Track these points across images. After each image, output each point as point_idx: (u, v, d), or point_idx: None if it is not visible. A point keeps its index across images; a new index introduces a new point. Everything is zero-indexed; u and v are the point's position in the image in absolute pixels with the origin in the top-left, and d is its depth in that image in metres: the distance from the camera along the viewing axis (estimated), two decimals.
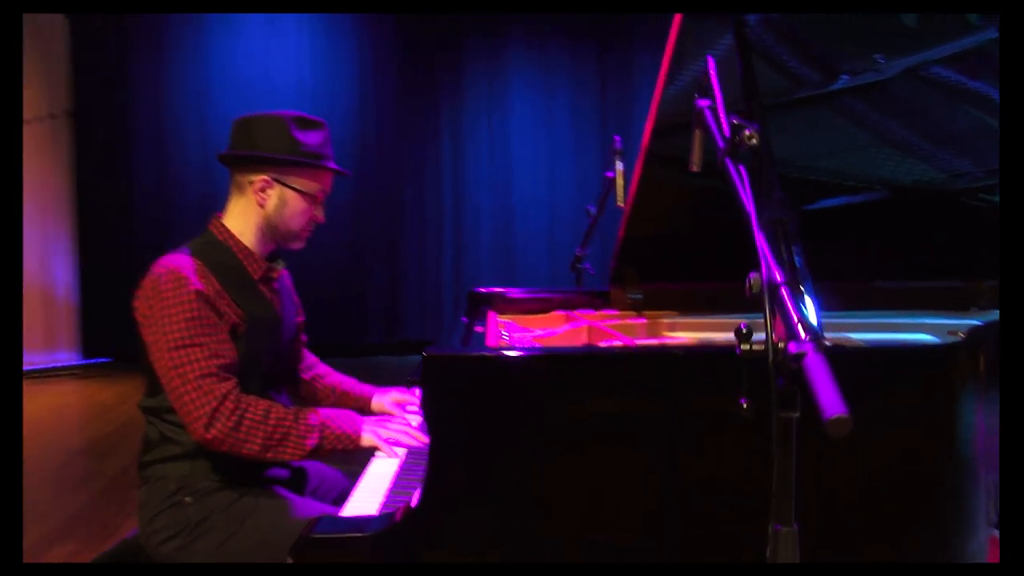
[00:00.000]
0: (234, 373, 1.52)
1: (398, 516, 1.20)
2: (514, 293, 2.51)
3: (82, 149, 6.51)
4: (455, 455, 1.18)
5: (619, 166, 2.10)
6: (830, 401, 0.61)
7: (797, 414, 0.72)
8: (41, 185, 6.32)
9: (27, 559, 2.72)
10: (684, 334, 2.21)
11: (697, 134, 1.45)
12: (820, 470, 1.21)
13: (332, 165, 1.72)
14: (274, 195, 1.66)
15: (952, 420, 1.29)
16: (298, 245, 1.73)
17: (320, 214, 1.72)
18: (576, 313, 2.49)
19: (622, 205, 2.10)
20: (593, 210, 2.46)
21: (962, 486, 1.28)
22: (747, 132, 1.07)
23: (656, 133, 2.41)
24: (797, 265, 1.28)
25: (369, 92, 7.01)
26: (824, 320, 2.26)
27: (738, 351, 0.73)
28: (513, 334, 2.14)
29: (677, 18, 1.84)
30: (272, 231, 1.69)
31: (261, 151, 1.64)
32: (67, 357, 6.43)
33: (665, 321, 2.30)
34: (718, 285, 2.62)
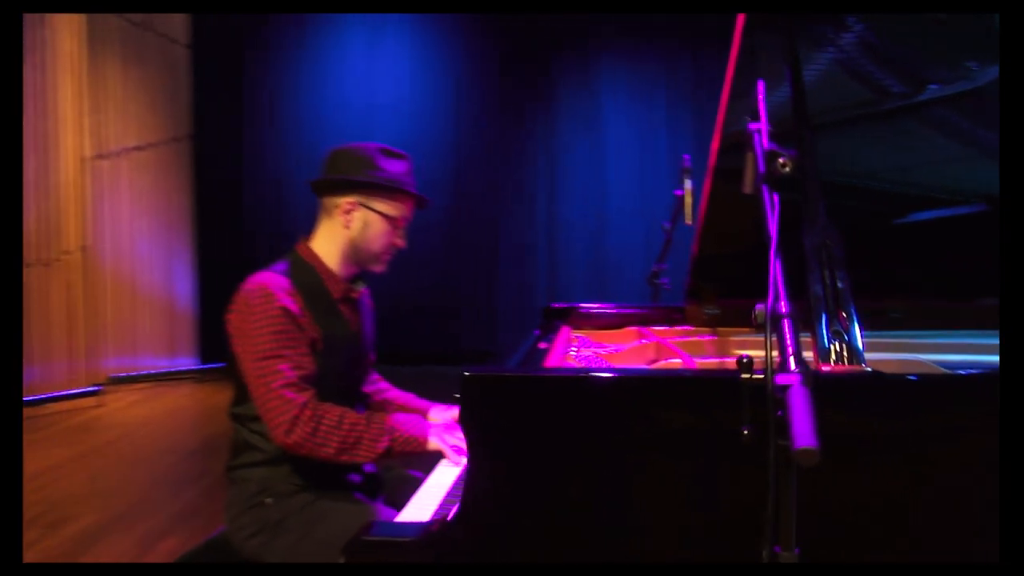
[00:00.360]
0: (313, 384, 1.63)
1: (435, 527, 1.26)
2: (588, 308, 2.54)
3: (201, 170, 7.00)
4: (488, 473, 1.22)
5: (688, 184, 2.09)
6: (802, 432, 0.62)
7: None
8: (165, 203, 6.83)
9: (135, 552, 2.95)
10: (752, 352, 2.17)
11: (749, 157, 1.44)
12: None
13: (413, 190, 1.81)
14: (359, 217, 1.77)
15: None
16: (379, 268, 1.83)
17: (401, 239, 1.82)
18: (650, 329, 2.49)
19: (690, 223, 2.09)
20: (668, 226, 2.45)
21: None
22: (781, 160, 1.07)
23: (726, 149, 2.40)
24: (840, 289, 1.25)
25: (464, 111, 7.20)
26: (923, 340, 2.17)
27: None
28: (583, 349, 2.17)
29: (738, 32, 1.83)
30: (355, 253, 1.79)
31: (349, 176, 1.75)
32: (186, 362, 6.90)
33: (734, 339, 2.26)
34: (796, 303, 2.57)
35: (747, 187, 1.46)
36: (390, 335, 6.13)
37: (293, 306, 1.65)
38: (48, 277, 5.84)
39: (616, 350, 2.16)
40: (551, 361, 1.80)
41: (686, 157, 2.22)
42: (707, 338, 2.28)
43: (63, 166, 5.97)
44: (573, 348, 2.17)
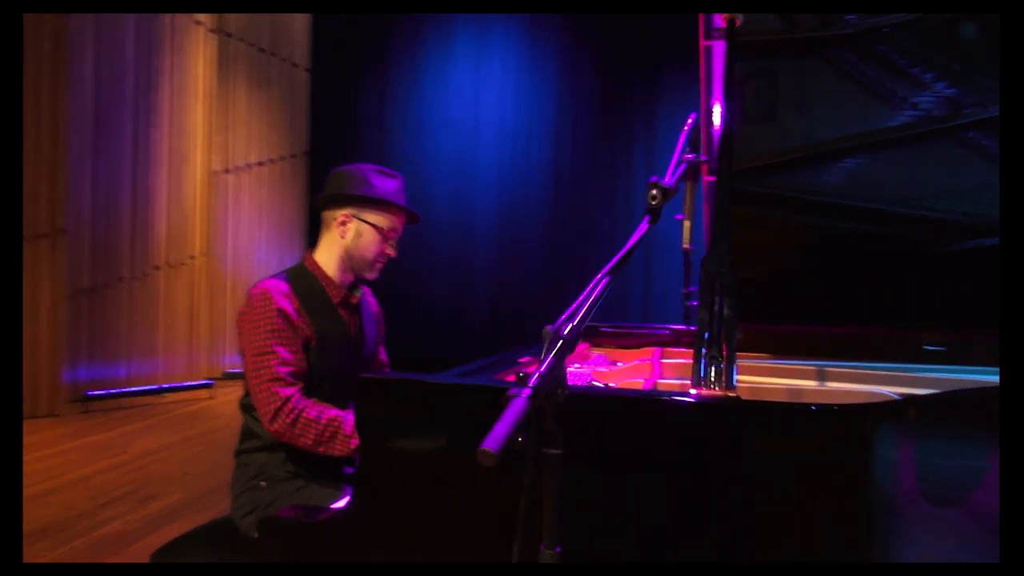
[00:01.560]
0: (301, 380, 1.82)
1: (329, 515, 1.40)
2: (608, 328, 2.60)
3: (315, 183, 7.52)
4: (370, 467, 1.34)
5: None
6: (492, 436, 0.69)
7: (559, 451, 0.79)
8: (280, 214, 7.40)
9: None
10: (748, 377, 2.16)
11: (688, 186, 1.49)
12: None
13: (401, 203, 1.98)
14: (352, 228, 1.95)
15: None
16: (371, 275, 2.01)
17: (391, 249, 1.99)
18: (670, 350, 2.52)
19: (687, 248, 2.11)
20: (691, 248, 2.48)
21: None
22: (652, 192, 1.12)
23: (739, 170, 2.39)
24: (726, 316, 1.27)
25: (566, 126, 7.34)
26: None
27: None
28: (584, 365, 2.23)
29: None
30: (350, 260, 1.98)
31: (343, 191, 1.95)
32: None
33: (744, 363, 2.25)
34: (819, 330, 2.52)
35: (684, 214, 1.51)
36: (498, 344, 6.35)
37: (289, 308, 1.85)
38: (174, 279, 6.47)
39: (617, 368, 2.22)
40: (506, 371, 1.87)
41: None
42: (743, 362, 2.29)
43: (192, 179, 6.61)
44: (576, 364, 2.24)
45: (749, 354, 2.47)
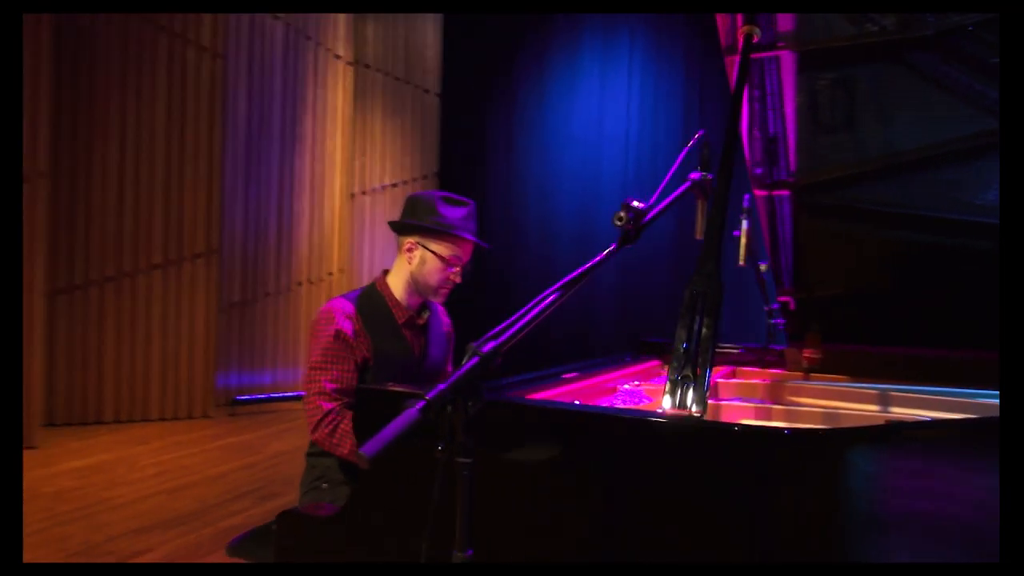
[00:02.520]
0: (347, 396, 1.96)
1: (333, 512, 1.51)
2: None
3: None
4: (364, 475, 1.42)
5: (744, 225, 2.06)
6: (371, 442, 0.75)
7: (469, 460, 0.83)
8: None
9: None
10: (810, 400, 2.06)
11: (700, 205, 1.48)
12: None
13: (465, 235, 2.06)
14: (417, 255, 2.07)
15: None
16: (436, 299, 2.13)
17: (456, 277, 2.08)
18: (743, 369, 2.45)
19: (743, 264, 2.05)
20: (764, 264, 2.38)
21: None
22: (620, 215, 1.13)
23: (813, 185, 2.29)
24: (703, 336, 1.23)
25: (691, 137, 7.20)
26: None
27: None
28: (644, 383, 2.22)
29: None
30: (415, 285, 2.10)
31: (410, 220, 2.07)
32: None
33: (791, 384, 2.16)
34: (905, 351, 2.35)
35: (698, 233, 1.50)
36: None
37: (348, 329, 1.99)
38: (315, 294, 6.97)
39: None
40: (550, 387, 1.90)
41: (746, 196, 2.18)
42: (762, 381, 2.22)
43: (331, 201, 7.12)
44: (635, 381, 2.24)
45: (826, 376, 2.35)
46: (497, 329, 0.97)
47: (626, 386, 2.14)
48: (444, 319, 2.29)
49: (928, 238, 2.31)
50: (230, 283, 6.25)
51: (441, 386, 0.85)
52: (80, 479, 4.14)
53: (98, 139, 5.47)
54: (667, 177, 1.34)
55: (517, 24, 7.57)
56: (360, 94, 7.28)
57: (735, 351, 2.51)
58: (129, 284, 5.61)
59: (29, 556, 3.04)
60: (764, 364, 2.43)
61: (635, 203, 1.19)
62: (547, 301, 1.02)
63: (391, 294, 2.12)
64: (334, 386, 1.96)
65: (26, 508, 3.61)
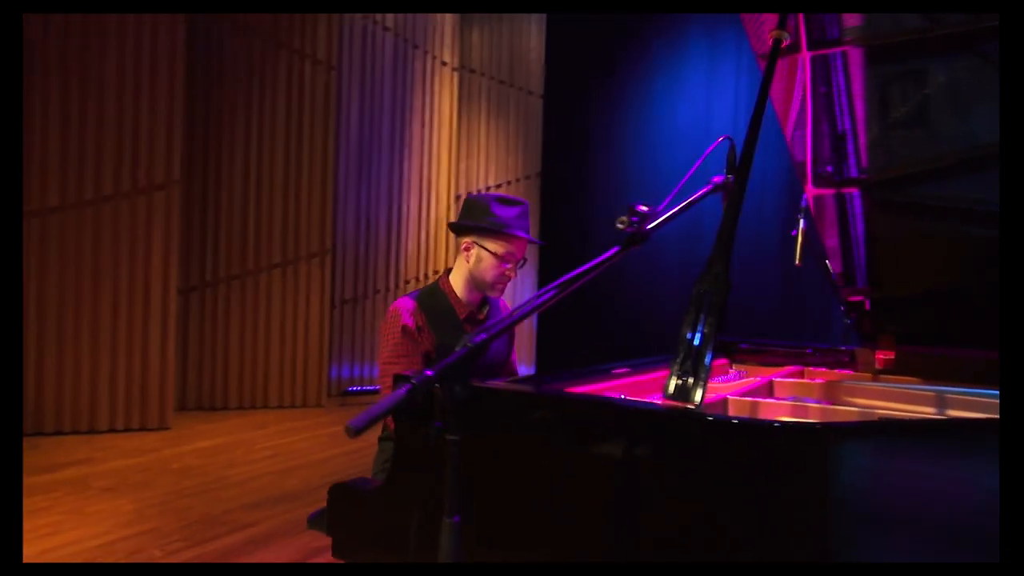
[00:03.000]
0: None
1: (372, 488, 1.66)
2: (747, 345, 2.55)
3: (547, 203, 7.97)
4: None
5: (802, 225, 2.05)
6: (359, 416, 0.86)
7: (456, 437, 0.94)
8: None
9: None
10: (864, 401, 2.02)
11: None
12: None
13: (517, 232, 2.17)
14: (474, 254, 2.21)
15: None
16: (494, 294, 2.26)
17: (511, 272, 2.21)
18: (812, 370, 2.42)
19: (799, 264, 2.04)
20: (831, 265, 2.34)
21: None
22: (622, 218, 1.19)
23: (888, 181, 2.24)
24: (704, 333, 1.26)
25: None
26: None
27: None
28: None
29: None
30: (474, 281, 2.23)
31: (466, 221, 2.20)
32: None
33: (850, 385, 2.12)
34: (984, 354, 2.26)
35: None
36: None
37: (412, 324, 2.14)
38: None
39: (734, 386, 2.20)
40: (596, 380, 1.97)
41: (804, 197, 2.15)
42: (816, 381, 2.19)
43: (438, 203, 7.40)
44: None
45: (897, 378, 2.29)
46: (491, 322, 1.07)
47: None
48: (507, 308, 2.42)
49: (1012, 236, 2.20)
50: (342, 281, 6.65)
51: (428, 372, 0.96)
52: (204, 458, 4.56)
53: (225, 149, 5.96)
54: (683, 180, 1.39)
55: (620, 23, 7.58)
56: (465, 98, 7.52)
57: (806, 352, 2.48)
58: (252, 282, 6.08)
59: (154, 524, 3.41)
60: (836, 365, 2.39)
61: (641, 207, 1.25)
62: (542, 299, 1.11)
63: (453, 291, 2.26)
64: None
65: (155, 481, 4.04)
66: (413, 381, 0.94)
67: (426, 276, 7.31)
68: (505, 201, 2.21)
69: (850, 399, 2.05)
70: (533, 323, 8.01)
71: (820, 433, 1.13)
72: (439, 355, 2.18)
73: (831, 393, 2.10)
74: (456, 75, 7.47)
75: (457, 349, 1.01)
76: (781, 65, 2.22)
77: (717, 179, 1.59)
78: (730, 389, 2.17)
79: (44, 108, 4.82)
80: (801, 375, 2.40)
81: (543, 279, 7.98)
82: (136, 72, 5.06)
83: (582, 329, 7.60)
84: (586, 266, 1.22)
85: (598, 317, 7.72)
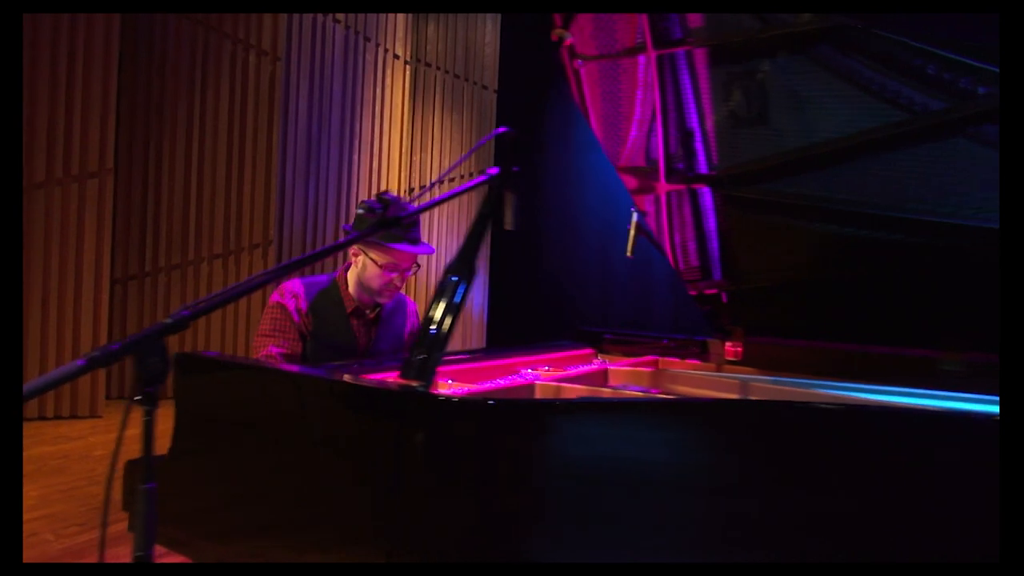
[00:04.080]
0: (293, 360, 2.18)
1: None
2: (611, 335, 2.61)
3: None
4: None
5: (635, 218, 2.10)
6: (34, 382, 0.91)
7: (151, 407, 1.01)
8: (468, 226, 8.00)
9: None
10: (682, 388, 2.08)
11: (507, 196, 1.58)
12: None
13: (393, 246, 2.21)
14: (360, 261, 2.29)
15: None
16: (382, 300, 2.32)
17: (398, 281, 2.26)
18: (666, 360, 2.48)
19: (630, 256, 2.10)
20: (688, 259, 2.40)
21: None
22: (364, 203, 1.23)
23: (739, 177, 2.30)
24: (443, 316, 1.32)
25: None
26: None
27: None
28: (548, 369, 2.30)
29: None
30: (361, 286, 2.30)
31: (354, 229, 2.26)
32: None
33: (675, 373, 2.18)
34: (831, 346, 2.32)
35: (506, 224, 1.60)
36: None
37: (291, 305, 2.23)
38: None
39: (574, 373, 2.25)
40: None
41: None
42: (647, 369, 2.25)
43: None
44: (546, 367, 2.31)
45: (741, 369, 2.35)
46: (196, 302, 1.12)
47: (529, 370, 2.23)
48: (412, 309, 2.48)
49: (851, 231, 2.27)
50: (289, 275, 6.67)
51: (113, 346, 1.01)
52: (128, 445, 4.58)
53: (167, 137, 5.98)
54: (451, 168, 1.43)
55: None
56: (419, 92, 7.55)
57: (662, 342, 2.54)
58: (193, 271, 6.11)
59: (55, 509, 3.44)
60: (687, 355, 2.45)
61: (388, 195, 1.30)
62: (254, 283, 1.16)
63: (346, 286, 2.33)
64: (280, 351, 2.19)
65: (71, 468, 4.07)
66: (93, 354, 0.99)
67: None
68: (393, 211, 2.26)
69: (671, 386, 2.11)
70: (483, 310, 8.07)
71: (520, 408, 1.19)
72: (316, 341, 2.24)
73: (657, 381, 2.16)
74: (409, 68, 7.49)
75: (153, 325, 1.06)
76: (623, 65, 2.28)
77: (492, 170, 1.63)
78: (555, 376, 2.22)
79: None
80: (656, 364, 2.46)
81: (494, 271, 8.04)
82: (70, 57, 5.07)
83: (533, 315, 7.68)
84: (309, 253, 1.27)
85: (551, 303, 7.81)
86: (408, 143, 7.52)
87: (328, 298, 2.28)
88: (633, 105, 2.36)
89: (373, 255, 2.23)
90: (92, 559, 2.99)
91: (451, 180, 7.82)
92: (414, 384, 1.20)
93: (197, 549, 1.62)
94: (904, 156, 2.08)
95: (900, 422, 1.26)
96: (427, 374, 1.21)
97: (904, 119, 2.02)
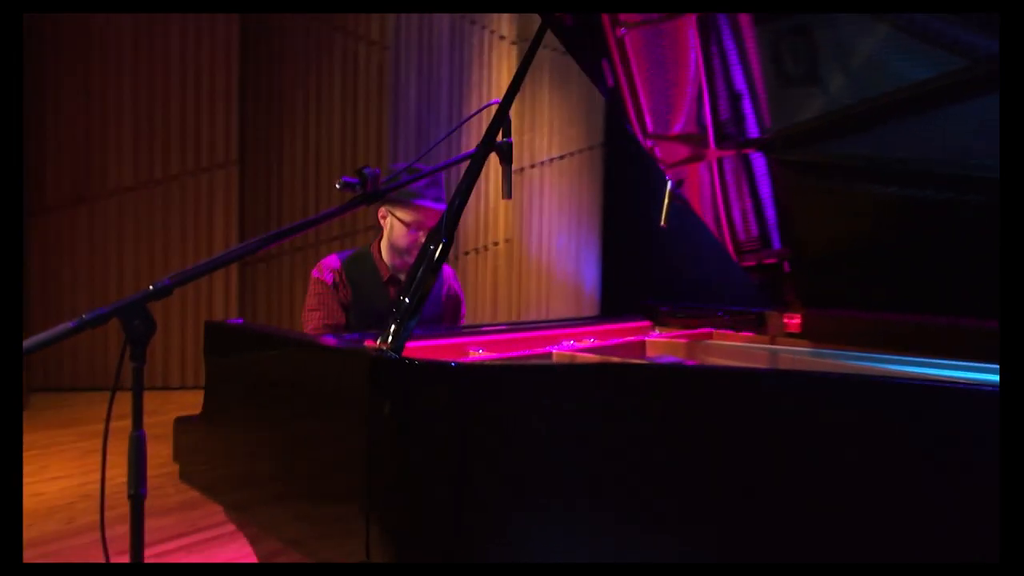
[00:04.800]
0: (334, 330, 2.33)
1: None
2: (671, 307, 2.56)
3: (610, 173, 7.97)
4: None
5: (669, 186, 2.05)
6: (31, 339, 1.05)
7: (139, 364, 1.14)
8: (578, 203, 7.99)
9: None
10: (715, 359, 2.01)
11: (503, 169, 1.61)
12: None
13: (420, 203, 2.32)
14: (388, 222, 2.41)
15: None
16: (411, 260, 2.42)
17: (423, 238, 2.36)
18: (722, 332, 2.42)
19: (664, 226, 2.05)
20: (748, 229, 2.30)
21: None
22: (342, 179, 1.30)
23: (796, 139, 2.19)
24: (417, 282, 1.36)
25: None
26: None
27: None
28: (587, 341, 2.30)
29: None
30: (392, 247, 2.41)
31: (379, 191, 2.38)
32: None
33: (712, 344, 2.11)
34: (892, 317, 2.18)
35: (503, 194, 1.61)
36: None
37: (330, 280, 2.40)
38: (481, 263, 7.49)
39: (612, 343, 2.24)
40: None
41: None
42: (681, 341, 2.19)
43: (497, 176, 7.56)
44: (591, 339, 2.32)
45: (798, 342, 2.25)
46: (176, 273, 1.24)
47: (571, 342, 2.25)
48: (452, 283, 2.58)
49: (914, 193, 2.11)
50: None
51: (102, 310, 1.14)
52: None
53: (285, 128, 6.39)
54: (440, 140, 1.48)
55: None
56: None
57: (717, 314, 2.47)
58: (313, 253, 6.51)
59: None
60: (741, 327, 2.37)
61: (367, 170, 1.36)
62: (246, 248, 1.26)
63: (379, 255, 2.47)
64: (327, 323, 2.35)
65: None
66: (84, 317, 1.13)
67: (485, 247, 7.50)
68: (413, 171, 2.35)
69: (703, 357, 2.05)
70: (596, 285, 8.07)
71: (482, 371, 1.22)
72: (357, 309, 2.39)
73: (692, 352, 2.11)
74: (515, 49, 7.55)
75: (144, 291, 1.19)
76: (666, 30, 2.23)
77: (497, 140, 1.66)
78: (583, 347, 2.22)
79: (117, 94, 5.37)
80: (710, 337, 2.40)
81: (607, 246, 8.01)
82: (196, 57, 5.52)
83: (644, 290, 7.58)
84: (305, 220, 1.36)
85: (664, 278, 7.69)
86: (518, 122, 7.60)
87: (364, 268, 2.43)
88: (680, 70, 2.29)
89: (399, 214, 2.33)
90: (204, 510, 3.31)
91: (562, 157, 7.84)
92: (383, 348, 1.27)
93: (252, 513, 1.76)
94: (967, 108, 1.91)
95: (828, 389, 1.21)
96: (397, 338, 1.28)
97: (964, 67, 1.86)
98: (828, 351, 2.00)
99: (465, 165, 1.61)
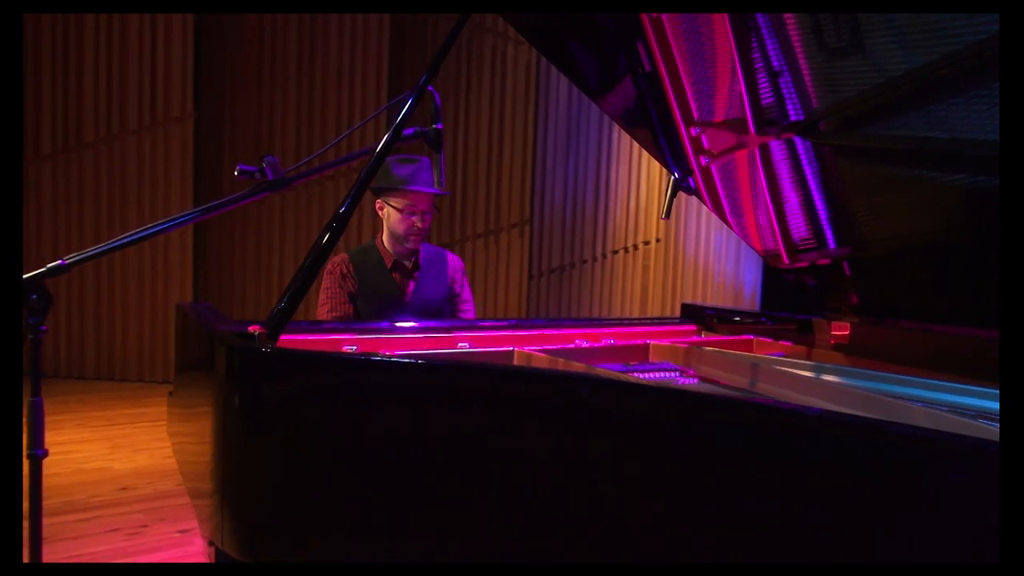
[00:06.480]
0: (342, 318, 2.41)
1: None
2: (714, 311, 2.33)
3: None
4: None
5: (672, 179, 1.84)
6: None
7: (33, 336, 1.22)
8: None
9: None
10: (706, 369, 1.77)
11: (433, 158, 1.56)
12: None
13: (410, 187, 2.37)
14: (385, 212, 2.50)
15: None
16: (410, 245, 2.51)
17: (419, 222, 2.43)
18: (761, 340, 2.17)
19: (665, 219, 1.85)
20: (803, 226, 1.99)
21: None
22: (241, 168, 1.32)
23: (845, 121, 1.93)
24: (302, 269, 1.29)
25: None
26: None
27: None
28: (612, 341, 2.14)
29: None
30: (391, 235, 2.49)
31: (375, 185, 2.46)
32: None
33: (706, 350, 1.88)
34: (959, 331, 1.83)
35: (435, 183, 1.56)
36: None
37: (337, 272, 2.51)
38: (631, 261, 7.30)
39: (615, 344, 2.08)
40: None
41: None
42: (706, 347, 1.95)
43: (650, 171, 7.32)
44: (609, 341, 2.17)
45: (831, 356, 1.95)
46: (75, 254, 1.31)
47: (583, 342, 2.12)
48: (455, 263, 2.62)
49: (986, 181, 1.75)
50: (549, 251, 6.96)
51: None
52: None
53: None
54: (350, 131, 1.43)
55: None
56: (543, 65, 7.31)
57: (761, 321, 2.20)
58: (458, 250, 6.71)
59: None
60: (781, 336, 2.09)
61: (269, 158, 1.36)
62: (143, 234, 1.31)
63: (383, 246, 2.58)
64: (334, 314, 2.46)
65: None
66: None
67: (635, 247, 7.29)
68: (404, 160, 2.41)
69: (698, 365, 1.83)
70: (756, 287, 7.52)
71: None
72: (363, 295, 2.48)
73: (688, 359, 1.89)
74: None
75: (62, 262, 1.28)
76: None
77: (408, 131, 1.59)
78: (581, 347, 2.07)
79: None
80: (750, 344, 2.15)
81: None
82: (351, 61, 5.92)
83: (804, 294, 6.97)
84: (210, 204, 1.38)
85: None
86: None
87: (369, 259, 2.54)
88: (717, 51, 2.07)
89: (393, 202, 2.43)
90: None
91: None
92: (261, 332, 1.27)
93: None
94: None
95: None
96: (274, 323, 1.27)
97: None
98: (858, 370, 1.71)
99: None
